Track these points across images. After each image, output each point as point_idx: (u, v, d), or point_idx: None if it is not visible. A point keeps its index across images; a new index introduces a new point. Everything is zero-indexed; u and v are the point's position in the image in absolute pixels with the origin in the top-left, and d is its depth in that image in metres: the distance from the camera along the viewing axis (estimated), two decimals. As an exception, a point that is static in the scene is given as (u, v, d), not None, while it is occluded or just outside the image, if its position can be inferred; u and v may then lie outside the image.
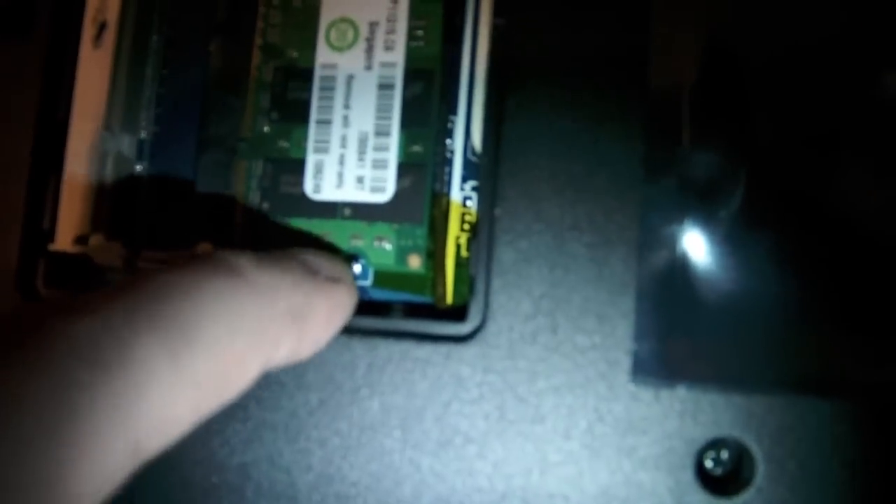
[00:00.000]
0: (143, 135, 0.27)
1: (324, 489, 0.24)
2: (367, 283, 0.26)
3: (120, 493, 0.15)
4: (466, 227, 0.26)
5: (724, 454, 0.24)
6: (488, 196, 0.25)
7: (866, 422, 0.23)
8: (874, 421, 0.23)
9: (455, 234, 0.26)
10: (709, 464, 0.24)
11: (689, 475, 0.24)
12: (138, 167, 0.27)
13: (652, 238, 0.24)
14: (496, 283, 0.24)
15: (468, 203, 0.26)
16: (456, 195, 0.26)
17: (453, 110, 0.26)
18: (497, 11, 0.26)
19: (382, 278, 0.26)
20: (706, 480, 0.24)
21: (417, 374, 0.24)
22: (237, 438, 0.25)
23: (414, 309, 0.25)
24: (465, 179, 0.26)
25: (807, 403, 0.23)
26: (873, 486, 0.23)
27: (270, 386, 0.25)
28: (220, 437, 0.24)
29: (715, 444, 0.24)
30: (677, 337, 0.24)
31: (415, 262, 0.26)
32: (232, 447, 0.25)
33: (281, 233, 0.26)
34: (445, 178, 0.26)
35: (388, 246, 0.26)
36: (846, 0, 0.25)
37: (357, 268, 0.26)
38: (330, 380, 0.25)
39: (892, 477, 0.23)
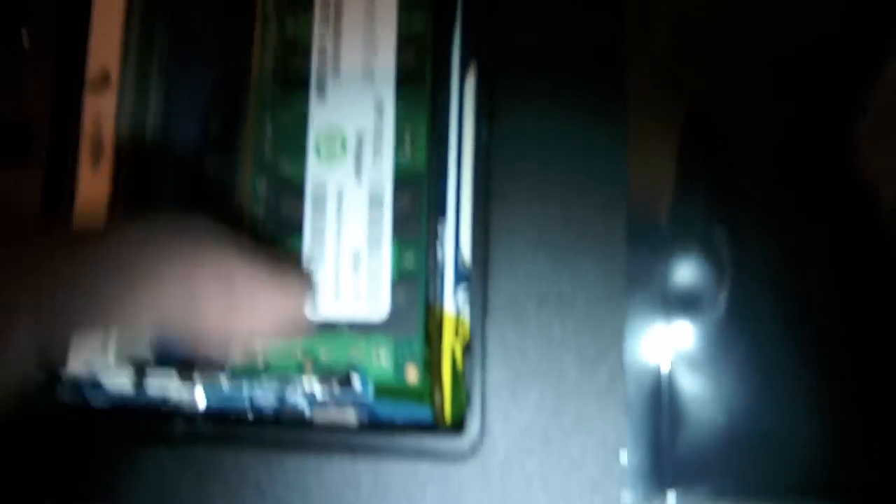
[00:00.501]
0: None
1: None
2: (369, 397, 0.26)
3: None
4: (460, 336, 0.26)
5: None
6: (479, 309, 0.25)
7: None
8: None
9: (450, 344, 0.27)
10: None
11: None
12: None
13: (639, 349, 0.24)
14: (491, 397, 0.25)
15: (461, 312, 0.26)
16: (449, 305, 0.27)
17: (443, 212, 0.27)
18: (480, 119, 0.26)
19: (382, 392, 0.26)
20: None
21: (419, 493, 0.25)
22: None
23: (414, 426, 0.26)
24: (456, 289, 0.26)
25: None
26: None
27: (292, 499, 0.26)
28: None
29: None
30: (668, 447, 0.24)
31: (412, 375, 0.26)
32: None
33: (282, 349, 0.27)
34: (437, 288, 0.27)
35: (385, 359, 0.26)
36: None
37: (357, 384, 0.26)
38: (336, 499, 0.25)
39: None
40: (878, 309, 0.24)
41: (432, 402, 0.26)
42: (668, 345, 0.24)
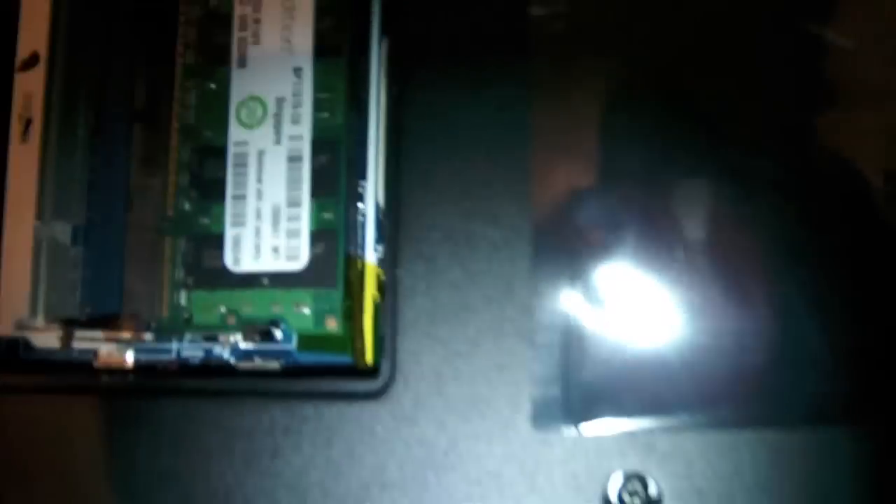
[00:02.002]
0: (76, 221, 0.29)
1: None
2: (292, 346, 0.27)
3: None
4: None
5: (630, 490, 0.25)
6: (390, 255, 0.27)
7: (763, 450, 0.25)
8: (771, 450, 0.25)
9: (372, 295, 0.28)
10: (614, 500, 0.25)
11: (597, 509, 0.25)
12: (73, 252, 0.29)
13: (547, 286, 0.25)
14: (403, 340, 0.26)
15: (384, 265, 0.28)
16: (371, 258, 0.28)
17: (363, 176, 0.28)
18: (392, 81, 0.28)
19: (305, 341, 0.27)
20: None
21: (333, 432, 0.26)
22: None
23: (333, 369, 0.27)
24: (379, 242, 0.28)
25: (705, 436, 0.25)
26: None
27: (197, 452, 0.26)
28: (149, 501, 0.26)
29: (619, 481, 0.25)
30: (575, 381, 0.25)
31: (332, 324, 0.27)
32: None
33: (205, 305, 0.28)
34: (359, 241, 0.28)
35: (306, 311, 0.27)
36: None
37: (279, 333, 0.27)
38: (252, 442, 0.26)
39: (791, 496, 0.24)
40: (786, 228, 0.25)
41: (353, 351, 0.27)
42: (576, 281, 0.26)
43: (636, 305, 0.25)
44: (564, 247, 0.26)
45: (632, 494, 0.25)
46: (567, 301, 0.25)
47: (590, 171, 0.26)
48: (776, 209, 0.26)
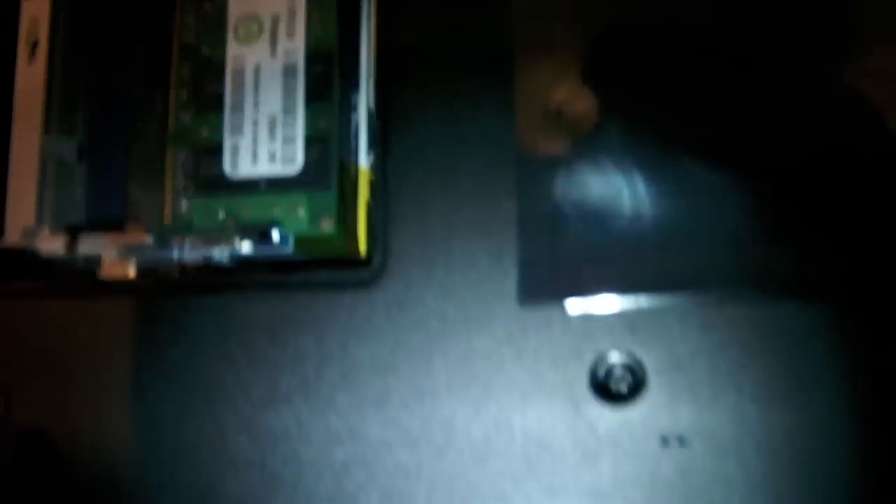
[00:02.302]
0: (82, 139, 0.30)
1: (252, 431, 0.27)
2: (289, 249, 0.28)
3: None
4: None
5: (616, 365, 0.26)
6: (381, 153, 0.28)
7: (746, 326, 0.26)
8: (753, 325, 0.26)
9: (366, 199, 0.29)
10: (602, 375, 0.26)
11: (584, 388, 0.26)
12: (79, 168, 0.30)
13: (530, 168, 0.26)
14: (394, 231, 0.27)
15: (376, 170, 0.29)
16: (364, 163, 0.29)
17: (356, 87, 0.29)
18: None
19: (301, 243, 0.28)
20: (601, 392, 0.26)
21: (329, 320, 0.27)
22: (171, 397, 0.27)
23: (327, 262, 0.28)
24: (371, 148, 0.29)
25: (689, 313, 0.26)
26: (759, 381, 0.25)
27: (197, 346, 0.27)
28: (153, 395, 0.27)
29: (606, 357, 0.26)
30: (559, 258, 0.26)
31: (327, 225, 0.28)
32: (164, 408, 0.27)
33: (205, 211, 0.29)
34: (353, 148, 0.29)
35: (301, 212, 0.28)
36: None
37: (276, 235, 0.28)
38: (250, 334, 0.27)
39: (772, 370, 0.25)
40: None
41: (347, 251, 0.28)
42: (558, 161, 0.27)
43: (619, 178, 0.26)
44: (549, 124, 0.27)
45: (618, 371, 0.26)
46: (551, 181, 0.26)
47: (572, 60, 0.27)
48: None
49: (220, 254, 0.29)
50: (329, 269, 0.27)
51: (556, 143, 0.27)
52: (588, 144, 0.26)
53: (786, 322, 0.25)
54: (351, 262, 0.28)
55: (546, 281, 0.26)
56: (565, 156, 0.26)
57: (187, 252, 0.29)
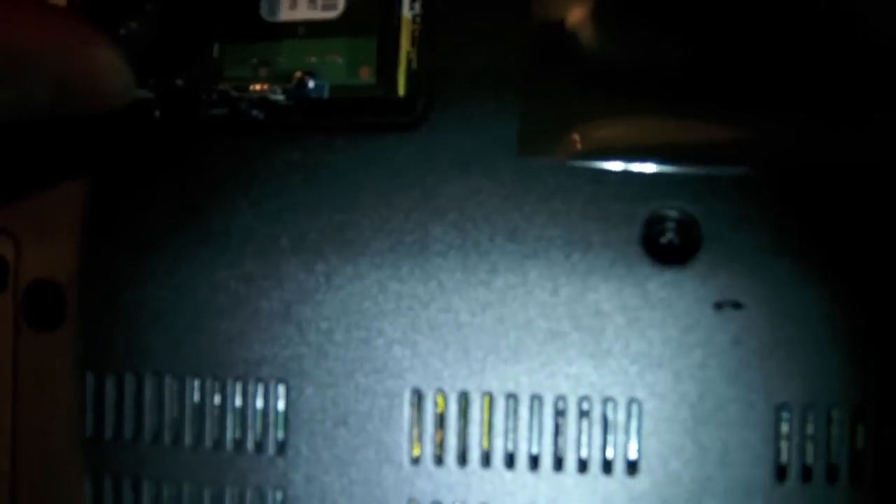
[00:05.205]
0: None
1: (281, 280, 0.25)
2: (323, 97, 0.27)
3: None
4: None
5: (670, 225, 0.24)
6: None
7: (802, 188, 0.24)
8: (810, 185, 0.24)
9: (406, 49, 0.27)
10: (655, 234, 0.24)
11: (635, 246, 0.24)
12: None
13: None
14: (437, 76, 0.25)
15: (418, 20, 0.27)
16: (406, 12, 0.27)
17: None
18: None
19: (337, 92, 0.27)
20: (654, 250, 0.24)
21: (370, 162, 0.25)
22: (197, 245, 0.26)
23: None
24: (414, -1, 0.27)
25: (747, 172, 0.24)
26: (821, 245, 0.24)
27: (228, 190, 0.26)
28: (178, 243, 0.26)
29: (659, 215, 0.24)
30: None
31: (365, 74, 0.26)
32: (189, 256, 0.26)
33: (238, 57, 0.27)
34: (396, -4, 0.27)
35: (339, 60, 0.27)
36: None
37: (311, 83, 0.27)
38: (290, 176, 0.26)
39: (828, 238, 0.24)
40: None
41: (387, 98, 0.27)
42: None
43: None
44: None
45: (671, 230, 0.24)
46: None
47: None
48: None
49: (249, 105, 0.27)
50: (368, 113, 0.26)
51: None
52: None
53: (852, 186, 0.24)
54: (392, 105, 0.26)
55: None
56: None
57: (216, 101, 0.27)
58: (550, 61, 0.25)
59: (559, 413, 0.25)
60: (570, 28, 0.25)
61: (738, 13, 0.24)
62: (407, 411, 0.25)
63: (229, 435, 0.26)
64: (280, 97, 0.27)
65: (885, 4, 0.23)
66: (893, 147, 0.23)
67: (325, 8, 0.27)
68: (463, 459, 0.25)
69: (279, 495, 0.26)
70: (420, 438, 0.25)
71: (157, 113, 0.27)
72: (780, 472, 0.23)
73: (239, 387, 0.26)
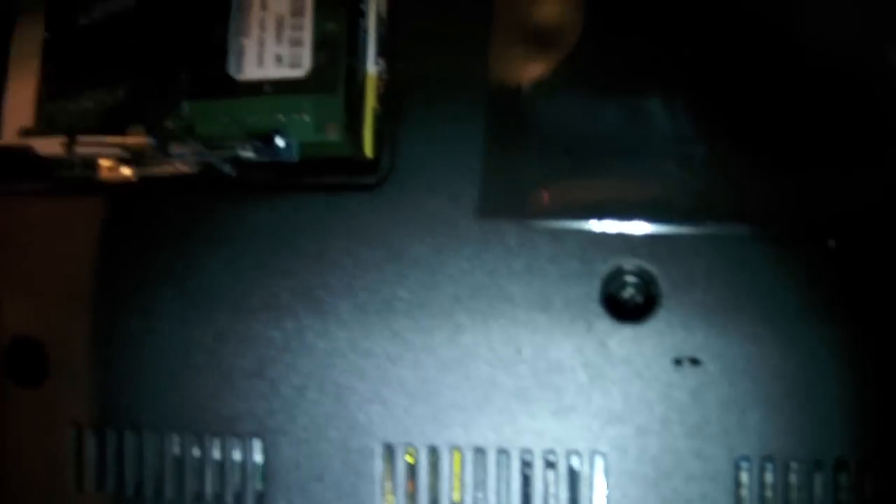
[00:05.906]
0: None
1: (252, 339, 0.26)
2: (293, 156, 0.27)
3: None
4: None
5: (630, 282, 0.25)
6: (390, 59, 0.27)
7: (758, 246, 0.24)
8: (767, 241, 0.24)
9: (372, 106, 0.28)
10: (615, 291, 0.25)
11: (595, 305, 0.25)
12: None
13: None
14: (402, 135, 0.26)
15: (383, 76, 0.27)
16: (371, 69, 0.28)
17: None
18: None
19: (306, 149, 0.27)
20: (613, 307, 0.25)
21: (335, 220, 0.26)
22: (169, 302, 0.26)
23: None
24: (379, 55, 0.28)
25: (704, 230, 0.24)
26: (777, 302, 0.24)
27: (198, 248, 0.26)
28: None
29: (619, 273, 0.25)
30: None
31: (332, 131, 0.27)
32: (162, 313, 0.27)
33: (208, 115, 0.28)
34: (361, 53, 0.28)
35: (307, 118, 0.27)
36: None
37: (281, 142, 0.27)
38: (254, 237, 0.26)
39: (792, 292, 0.24)
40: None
41: (353, 152, 0.27)
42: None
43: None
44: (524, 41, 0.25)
45: (631, 287, 0.25)
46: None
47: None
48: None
49: (219, 162, 0.28)
50: (334, 173, 0.26)
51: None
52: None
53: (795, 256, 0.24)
54: (357, 165, 0.27)
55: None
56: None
57: (188, 157, 0.28)
58: (509, 124, 0.25)
59: (526, 465, 0.25)
60: (526, 92, 0.25)
61: (691, 78, 0.24)
62: (379, 465, 0.26)
63: (209, 488, 0.27)
64: (250, 154, 0.27)
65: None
66: (843, 204, 0.24)
67: (293, 66, 0.27)
68: (434, 511, 0.26)
69: (259, 546, 0.27)
70: (393, 491, 0.26)
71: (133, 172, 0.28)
72: (741, 523, 0.24)
73: (217, 441, 0.27)
